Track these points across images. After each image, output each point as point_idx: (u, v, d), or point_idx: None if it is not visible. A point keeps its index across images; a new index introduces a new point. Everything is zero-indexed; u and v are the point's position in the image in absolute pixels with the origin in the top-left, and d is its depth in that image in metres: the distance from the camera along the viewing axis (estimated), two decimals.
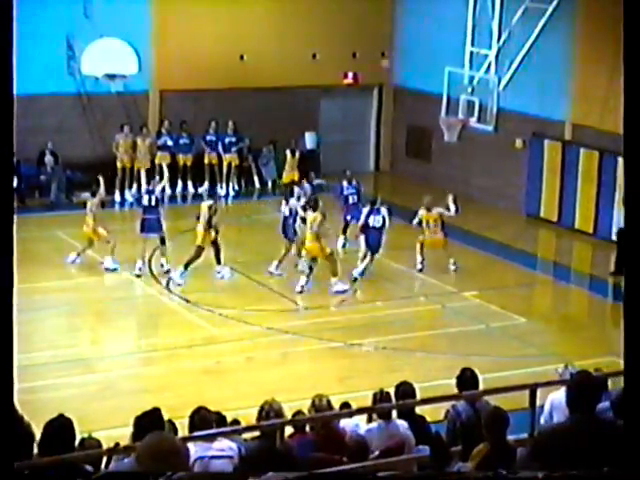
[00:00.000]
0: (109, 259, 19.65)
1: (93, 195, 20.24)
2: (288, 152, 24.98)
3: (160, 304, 18.48)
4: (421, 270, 20.06)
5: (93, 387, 14.60)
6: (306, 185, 21.83)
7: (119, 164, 25.18)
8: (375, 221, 19.70)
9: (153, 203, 20.00)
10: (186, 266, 19.17)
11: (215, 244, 19.39)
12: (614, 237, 22.43)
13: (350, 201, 21.48)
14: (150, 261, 20.28)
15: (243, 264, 20.31)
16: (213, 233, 19.37)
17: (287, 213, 19.92)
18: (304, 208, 19.35)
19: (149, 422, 7.20)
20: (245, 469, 6.74)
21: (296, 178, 23.98)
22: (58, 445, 6.90)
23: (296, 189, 20.69)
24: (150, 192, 20.29)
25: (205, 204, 19.76)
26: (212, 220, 19.44)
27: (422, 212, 20.20)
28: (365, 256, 19.72)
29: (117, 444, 8.17)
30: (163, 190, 21.02)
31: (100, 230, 19.72)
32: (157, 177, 21.91)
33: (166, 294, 18.79)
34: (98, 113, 25.28)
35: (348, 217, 21.20)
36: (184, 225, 23.17)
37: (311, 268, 18.90)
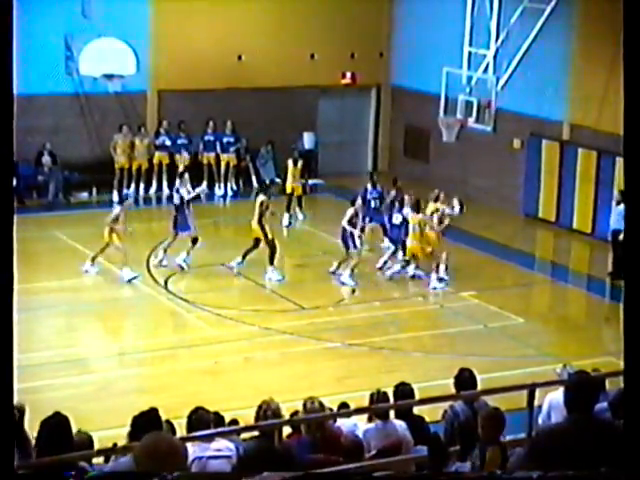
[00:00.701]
0: (126, 270, 19.32)
1: (121, 202, 20.25)
2: (290, 162, 23.78)
3: (158, 304, 18.47)
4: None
5: (90, 387, 14.60)
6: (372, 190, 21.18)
7: (117, 164, 25.20)
8: (396, 219, 19.83)
9: (177, 201, 20.05)
10: (243, 256, 19.57)
11: (270, 244, 19.33)
12: (610, 237, 22.48)
13: (372, 205, 20.96)
14: (148, 261, 20.28)
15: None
16: (265, 228, 19.40)
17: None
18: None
19: (147, 422, 7.20)
20: (243, 469, 6.74)
21: (299, 191, 23.42)
22: (55, 442, 6.91)
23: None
24: (176, 191, 20.38)
25: (258, 199, 19.69)
26: (264, 216, 19.41)
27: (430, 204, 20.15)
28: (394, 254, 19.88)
29: (115, 444, 8.18)
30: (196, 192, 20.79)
31: (115, 236, 19.45)
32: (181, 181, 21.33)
33: (164, 294, 18.79)
34: (96, 113, 25.27)
35: (367, 220, 20.31)
36: None
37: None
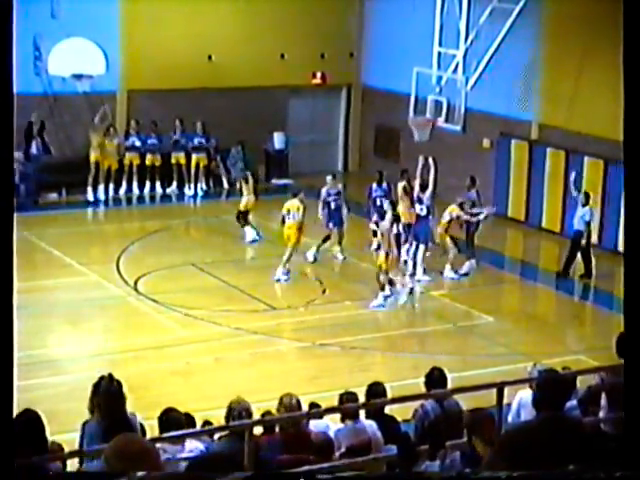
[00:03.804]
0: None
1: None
2: (242, 181, 22.36)
3: (129, 305, 18.41)
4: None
5: (63, 388, 14.54)
6: (470, 193, 20.74)
7: (92, 161, 24.97)
8: (420, 210, 19.80)
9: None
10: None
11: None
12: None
13: (378, 203, 20.62)
14: (118, 265, 20.23)
15: (211, 264, 20.29)
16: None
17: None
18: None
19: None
20: (210, 469, 6.72)
21: (251, 205, 22.01)
22: (29, 439, 6.90)
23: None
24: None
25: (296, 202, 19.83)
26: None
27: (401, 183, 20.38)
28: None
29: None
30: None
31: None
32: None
33: (135, 295, 18.74)
34: (65, 113, 25.15)
35: (374, 220, 19.90)
36: (152, 226, 23.16)
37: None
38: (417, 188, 20.11)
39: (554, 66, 23.26)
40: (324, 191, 21.00)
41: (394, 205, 19.42)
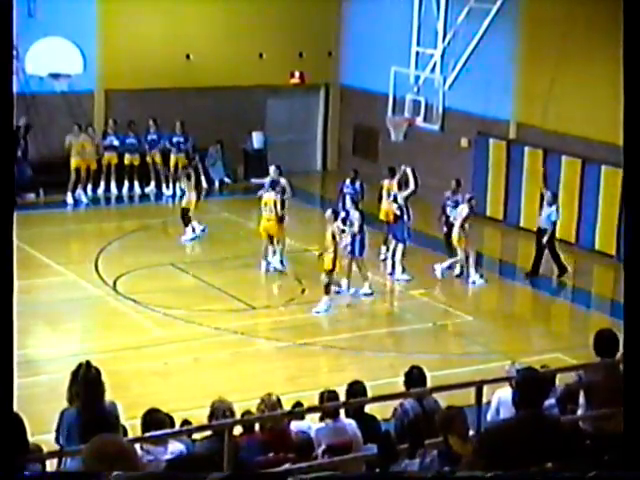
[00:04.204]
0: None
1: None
2: (185, 178, 22.34)
3: (108, 305, 18.36)
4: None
5: (39, 389, 14.47)
6: (457, 196, 20.46)
7: (72, 165, 24.86)
8: (396, 209, 19.84)
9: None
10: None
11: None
12: (558, 235, 22.72)
13: (347, 202, 20.45)
14: (97, 264, 20.17)
15: (190, 264, 20.26)
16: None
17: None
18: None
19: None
20: (189, 469, 6.72)
21: (193, 204, 21.93)
22: (8, 441, 6.86)
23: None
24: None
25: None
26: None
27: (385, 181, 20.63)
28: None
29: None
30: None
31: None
32: None
33: (113, 295, 18.68)
34: (43, 113, 25.03)
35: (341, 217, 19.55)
36: (131, 225, 23.11)
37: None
38: (395, 187, 20.19)
39: (532, 65, 23.34)
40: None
41: (357, 206, 19.42)
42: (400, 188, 20.12)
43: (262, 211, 19.87)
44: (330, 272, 17.95)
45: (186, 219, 21.76)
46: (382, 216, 20.65)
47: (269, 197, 19.88)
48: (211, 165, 26.73)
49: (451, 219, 20.11)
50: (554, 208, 20.11)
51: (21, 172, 24.18)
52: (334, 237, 17.91)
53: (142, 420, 8.40)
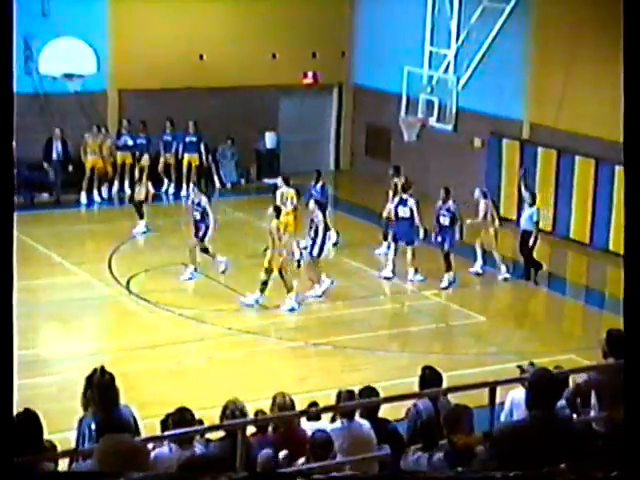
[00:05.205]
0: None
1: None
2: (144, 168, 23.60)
3: (120, 305, 18.39)
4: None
5: (51, 389, 14.51)
6: (447, 204, 19.87)
7: (88, 164, 24.92)
8: (403, 212, 19.75)
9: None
10: None
11: None
12: (572, 236, 22.67)
13: (310, 204, 19.84)
14: (110, 264, 20.20)
15: (203, 264, 20.26)
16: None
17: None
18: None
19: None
20: (203, 469, 6.71)
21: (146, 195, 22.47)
22: (27, 438, 6.91)
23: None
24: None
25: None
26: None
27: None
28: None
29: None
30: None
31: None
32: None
33: (126, 295, 18.71)
34: (56, 113, 25.09)
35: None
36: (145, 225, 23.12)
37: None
38: (400, 189, 20.16)
39: (545, 65, 23.28)
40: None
41: (321, 206, 19.40)
42: (404, 190, 20.03)
43: (282, 207, 19.87)
44: (268, 271, 17.88)
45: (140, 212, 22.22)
46: (385, 213, 20.60)
47: (288, 192, 20.28)
48: (223, 166, 26.73)
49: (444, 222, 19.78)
50: (534, 209, 19.99)
51: (46, 175, 24.43)
52: (271, 235, 17.92)
53: (171, 418, 8.46)
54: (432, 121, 25.43)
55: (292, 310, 17.97)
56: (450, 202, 19.69)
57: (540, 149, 23.42)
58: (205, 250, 19.41)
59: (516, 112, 23.98)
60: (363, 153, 28.35)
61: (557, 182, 23.02)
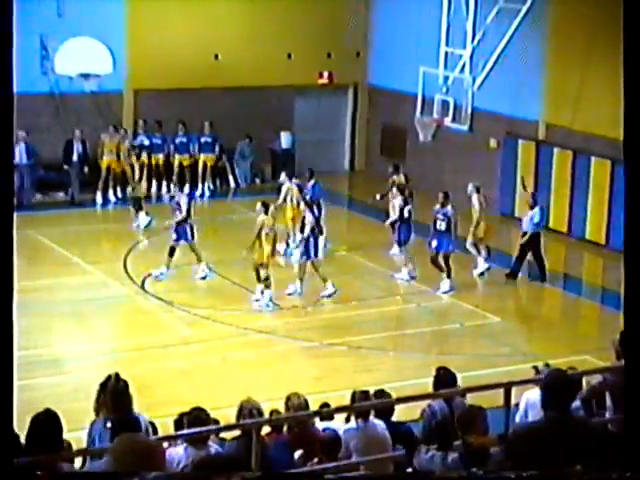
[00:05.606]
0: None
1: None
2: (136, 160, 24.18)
3: (134, 304, 18.43)
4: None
5: (66, 388, 14.54)
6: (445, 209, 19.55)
7: (104, 164, 24.96)
8: (407, 212, 19.78)
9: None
10: None
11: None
12: (588, 237, 22.60)
13: (301, 205, 20.18)
14: (125, 263, 20.24)
15: (218, 263, 20.29)
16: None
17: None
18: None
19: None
20: (218, 469, 6.72)
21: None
22: (46, 438, 6.94)
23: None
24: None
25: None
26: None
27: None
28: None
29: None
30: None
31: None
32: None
33: (141, 294, 18.74)
34: (72, 113, 25.15)
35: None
36: (160, 225, 23.15)
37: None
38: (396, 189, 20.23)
39: (561, 66, 23.22)
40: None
41: (310, 207, 19.39)
42: (401, 191, 20.07)
43: (287, 199, 20.65)
44: (260, 265, 18.00)
45: (138, 206, 22.49)
46: (391, 216, 20.60)
47: (292, 188, 20.69)
48: (240, 159, 26.75)
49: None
50: (536, 210, 19.92)
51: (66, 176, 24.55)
52: (257, 230, 17.97)
53: (185, 417, 8.48)
54: (447, 121, 25.41)
55: (267, 306, 18.03)
56: (448, 207, 19.23)
57: (556, 150, 23.36)
58: (171, 250, 19.25)
59: (532, 113, 23.93)
60: (378, 153, 28.33)
61: (573, 183, 22.96)
